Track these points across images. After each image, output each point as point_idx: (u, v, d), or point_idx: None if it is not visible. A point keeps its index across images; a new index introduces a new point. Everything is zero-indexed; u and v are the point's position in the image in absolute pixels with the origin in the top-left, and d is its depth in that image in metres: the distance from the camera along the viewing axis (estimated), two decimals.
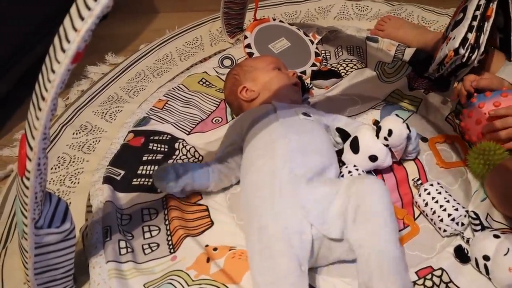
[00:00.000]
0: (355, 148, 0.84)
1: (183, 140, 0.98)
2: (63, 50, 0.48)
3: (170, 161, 0.94)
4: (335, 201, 0.69)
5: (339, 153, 0.88)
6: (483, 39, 0.86)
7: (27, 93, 0.53)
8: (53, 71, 0.49)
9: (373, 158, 0.83)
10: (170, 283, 0.71)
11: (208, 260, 0.73)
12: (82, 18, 0.47)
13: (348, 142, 0.87)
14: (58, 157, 1.01)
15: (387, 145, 0.83)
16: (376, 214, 0.65)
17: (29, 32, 1.18)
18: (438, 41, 0.99)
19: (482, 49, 0.86)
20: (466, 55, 0.86)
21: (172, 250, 0.77)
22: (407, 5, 1.38)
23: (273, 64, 0.97)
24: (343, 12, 1.39)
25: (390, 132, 0.81)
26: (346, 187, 0.70)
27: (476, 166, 0.79)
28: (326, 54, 1.21)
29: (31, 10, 1.17)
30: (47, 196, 0.64)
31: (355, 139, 0.85)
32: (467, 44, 0.86)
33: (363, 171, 0.83)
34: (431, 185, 0.78)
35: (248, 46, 1.18)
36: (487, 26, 0.86)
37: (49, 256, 0.66)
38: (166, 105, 1.08)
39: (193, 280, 0.71)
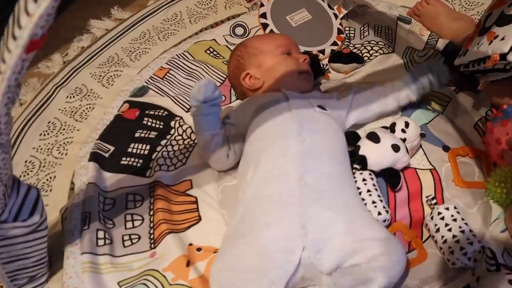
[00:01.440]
0: (375, 138, 0.76)
1: (181, 118, 0.90)
2: (14, 38, 0.39)
3: (163, 141, 0.86)
4: (339, 238, 0.59)
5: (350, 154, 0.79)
6: None
7: None
8: (3, 61, 0.41)
9: (396, 148, 0.75)
10: (145, 284, 0.66)
11: (188, 263, 0.68)
12: (35, 0, 0.38)
13: (364, 137, 0.78)
14: (49, 122, 0.96)
15: (404, 139, 0.78)
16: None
17: None
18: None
19: None
20: None
21: (152, 245, 0.72)
22: None
23: (283, 47, 0.86)
24: None
25: (407, 124, 0.79)
26: (366, 240, 0.60)
27: (497, 194, 0.70)
28: (350, 32, 1.08)
29: None
30: (15, 187, 0.58)
31: (373, 132, 0.77)
32: None
33: (378, 175, 0.75)
34: (447, 208, 0.69)
35: (263, 15, 1.05)
36: None
37: (17, 247, 0.61)
38: (168, 74, 0.99)
39: (170, 284, 0.66)
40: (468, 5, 1.16)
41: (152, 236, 0.73)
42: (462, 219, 0.68)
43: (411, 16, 1.08)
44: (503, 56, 0.72)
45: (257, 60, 0.85)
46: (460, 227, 0.67)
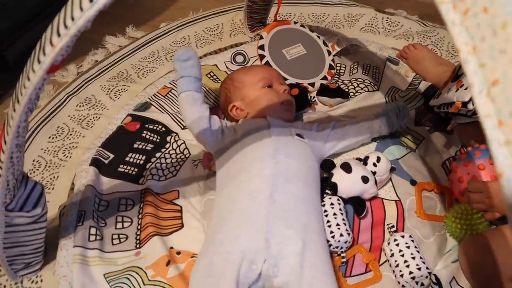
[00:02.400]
0: (347, 168, 0.84)
1: (176, 134, 0.99)
2: (39, 61, 0.49)
3: (158, 154, 0.95)
4: (293, 257, 0.67)
5: (323, 179, 0.87)
6: None
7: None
8: (28, 79, 0.50)
9: (365, 179, 0.83)
10: (128, 278, 0.74)
11: (168, 263, 0.76)
12: (59, 35, 0.47)
13: (338, 166, 0.86)
14: (58, 127, 1.05)
15: (374, 172, 0.86)
16: None
17: (39, 4, 1.20)
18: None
19: None
20: (473, 110, 0.82)
21: (138, 245, 0.80)
22: (440, 28, 1.30)
23: (264, 81, 0.94)
24: (371, 24, 1.34)
25: (378, 159, 0.87)
26: (303, 272, 0.66)
27: (453, 229, 0.78)
28: (341, 68, 1.18)
29: None
30: (24, 181, 0.67)
31: (346, 163, 0.85)
32: None
33: (346, 202, 0.83)
34: (402, 236, 0.77)
35: (262, 47, 1.15)
36: None
37: (19, 234, 0.70)
38: (169, 93, 1.09)
39: (149, 280, 0.74)
40: (454, 51, 1.25)
41: (138, 238, 0.81)
42: (415, 247, 0.76)
43: (399, 58, 1.17)
44: (464, 104, 0.82)
45: (241, 93, 0.94)
46: (411, 253, 0.74)
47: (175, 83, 1.11)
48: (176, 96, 1.08)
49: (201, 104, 0.86)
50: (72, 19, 0.45)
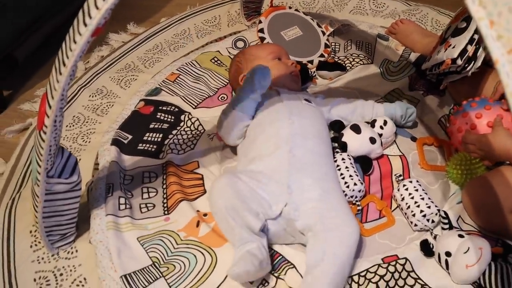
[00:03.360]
0: (357, 129, 0.91)
1: (189, 113, 1.05)
2: (85, 24, 0.55)
3: (174, 131, 1.01)
4: (314, 202, 0.75)
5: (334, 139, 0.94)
6: (481, 53, 0.89)
7: (51, 54, 0.60)
8: (75, 42, 0.56)
9: (372, 140, 0.90)
10: (161, 240, 0.79)
11: (198, 224, 0.81)
12: None
13: (348, 127, 0.93)
14: (74, 116, 1.09)
15: (380, 135, 0.92)
16: (333, 259, 0.70)
17: (48, 5, 1.25)
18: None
19: (478, 63, 0.90)
20: (462, 65, 0.90)
21: (166, 212, 0.85)
22: (423, 6, 1.39)
23: (274, 54, 1.02)
24: (359, 7, 1.42)
25: (385, 123, 0.93)
26: (331, 209, 0.74)
27: (455, 175, 0.85)
28: (336, 46, 1.25)
29: None
30: (60, 151, 0.72)
31: (356, 124, 0.92)
32: (465, 56, 0.90)
33: (354, 161, 0.89)
34: (410, 181, 0.84)
35: (261, 31, 1.23)
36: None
37: (57, 203, 0.75)
38: (178, 78, 1.15)
39: (182, 240, 0.80)
40: (438, 26, 1.34)
41: (165, 205, 0.86)
42: (423, 189, 0.83)
43: (388, 35, 1.26)
44: (453, 60, 0.90)
45: (253, 64, 1.00)
46: (420, 195, 0.81)
47: (182, 70, 1.17)
48: (185, 81, 1.14)
49: (244, 127, 0.90)
50: None
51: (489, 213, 0.78)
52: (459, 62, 0.89)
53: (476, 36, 0.90)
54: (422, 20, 1.35)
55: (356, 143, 0.91)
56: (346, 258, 0.71)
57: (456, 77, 0.95)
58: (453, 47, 0.91)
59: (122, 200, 0.84)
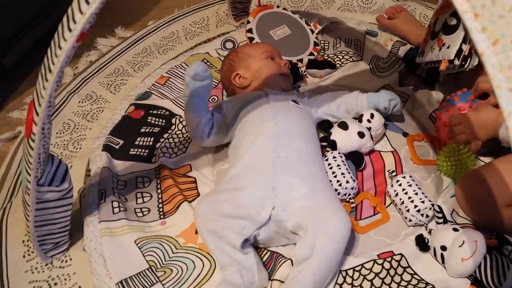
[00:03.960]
0: (344, 126, 0.91)
1: (180, 116, 1.04)
2: (70, 30, 0.54)
3: (166, 135, 1.00)
4: (301, 201, 0.74)
5: (323, 139, 0.95)
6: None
7: (40, 60, 0.59)
8: (60, 47, 0.56)
9: (361, 134, 0.90)
10: (160, 243, 0.79)
11: (196, 231, 0.80)
12: (88, 2, 0.53)
13: (336, 125, 0.94)
14: (64, 123, 1.08)
15: (369, 128, 0.92)
16: (323, 252, 0.70)
17: (34, 11, 1.24)
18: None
19: (475, 61, 0.92)
20: (459, 64, 0.92)
21: (162, 216, 0.84)
22: (411, 1, 1.40)
23: (267, 53, 1.02)
24: (347, 4, 1.42)
25: (372, 116, 0.93)
26: (321, 205, 0.74)
27: (445, 167, 0.85)
28: (325, 44, 1.25)
29: None
30: (50, 158, 0.71)
31: (343, 121, 0.93)
32: (461, 56, 0.92)
33: (346, 157, 0.89)
34: (403, 177, 0.84)
35: (250, 31, 1.22)
36: None
37: (49, 211, 0.74)
38: (168, 81, 1.14)
39: (181, 246, 0.79)
40: (426, 21, 1.35)
41: (161, 210, 0.85)
42: (416, 185, 0.83)
43: (382, 21, 1.25)
44: (451, 62, 0.92)
45: (246, 63, 1.01)
46: (414, 190, 0.81)
47: (172, 72, 1.16)
48: (175, 84, 1.14)
49: (206, 124, 0.89)
50: None
51: (482, 207, 0.78)
52: (456, 62, 0.92)
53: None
54: None
55: (345, 140, 0.91)
56: (333, 253, 0.70)
57: (453, 71, 0.97)
58: (448, 47, 0.93)
59: (116, 204, 0.83)
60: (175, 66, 1.19)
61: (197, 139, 0.92)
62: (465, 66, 0.93)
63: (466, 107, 0.88)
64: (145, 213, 0.85)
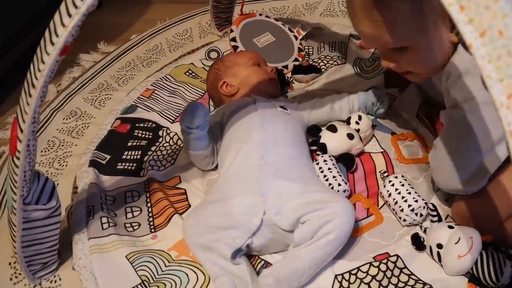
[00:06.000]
0: (333, 128, 0.92)
1: (167, 128, 1.03)
2: (52, 43, 0.53)
3: (153, 148, 0.99)
4: (294, 200, 0.74)
5: (313, 143, 0.95)
6: None
7: (20, 79, 0.58)
8: (43, 62, 0.54)
9: (350, 136, 0.90)
10: (152, 257, 0.77)
11: None
12: (69, 15, 0.52)
13: (324, 128, 0.94)
14: (48, 141, 1.06)
15: (358, 130, 0.93)
16: (329, 243, 0.70)
17: (22, 22, 1.23)
18: None
19: None
20: None
21: (153, 230, 0.83)
22: None
23: (253, 60, 1.02)
24: (329, 9, 1.44)
25: (360, 118, 0.94)
26: (317, 200, 0.73)
27: None
28: (309, 49, 1.26)
29: (25, 1, 1.22)
30: (36, 176, 0.69)
31: (332, 124, 0.93)
32: None
33: (337, 160, 0.89)
34: (396, 177, 0.84)
35: (234, 39, 1.22)
36: None
37: (36, 230, 0.71)
38: (153, 94, 1.13)
39: (173, 259, 0.77)
40: None
41: (152, 223, 0.84)
42: (409, 184, 0.83)
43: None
44: None
45: (232, 70, 1.00)
46: (407, 190, 0.81)
47: (157, 85, 1.16)
48: (160, 96, 1.13)
49: (211, 154, 0.90)
50: None
51: (482, 224, 0.75)
52: None
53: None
54: None
55: (335, 142, 0.91)
56: (335, 237, 0.70)
57: None
58: None
59: (105, 219, 0.81)
60: (160, 78, 1.18)
61: (205, 168, 0.92)
62: None
63: None
64: (135, 227, 0.83)
